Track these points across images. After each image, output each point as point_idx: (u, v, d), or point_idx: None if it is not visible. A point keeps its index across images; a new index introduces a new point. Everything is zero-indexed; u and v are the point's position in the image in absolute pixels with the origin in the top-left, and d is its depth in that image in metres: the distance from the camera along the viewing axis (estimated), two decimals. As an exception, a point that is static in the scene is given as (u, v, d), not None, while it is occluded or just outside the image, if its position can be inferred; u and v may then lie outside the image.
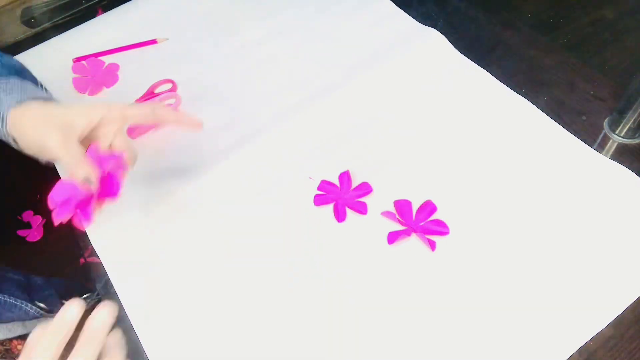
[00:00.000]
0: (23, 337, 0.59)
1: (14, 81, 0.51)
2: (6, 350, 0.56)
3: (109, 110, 0.48)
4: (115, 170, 0.50)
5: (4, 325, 0.57)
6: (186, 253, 0.57)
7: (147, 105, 0.51)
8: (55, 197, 0.47)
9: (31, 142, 0.48)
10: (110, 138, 0.49)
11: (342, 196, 0.58)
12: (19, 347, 0.58)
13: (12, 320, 0.58)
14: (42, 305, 0.61)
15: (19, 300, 0.59)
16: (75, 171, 0.46)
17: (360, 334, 0.50)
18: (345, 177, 0.59)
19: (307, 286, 0.53)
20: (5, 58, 0.55)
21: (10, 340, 0.58)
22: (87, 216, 0.49)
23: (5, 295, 0.58)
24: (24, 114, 0.48)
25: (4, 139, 0.50)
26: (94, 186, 0.47)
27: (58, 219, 0.47)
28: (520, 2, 0.78)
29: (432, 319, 0.50)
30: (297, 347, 0.50)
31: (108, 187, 0.50)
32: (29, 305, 0.60)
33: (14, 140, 0.49)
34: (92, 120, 0.48)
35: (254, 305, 0.53)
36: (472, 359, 0.48)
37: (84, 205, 0.48)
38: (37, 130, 0.47)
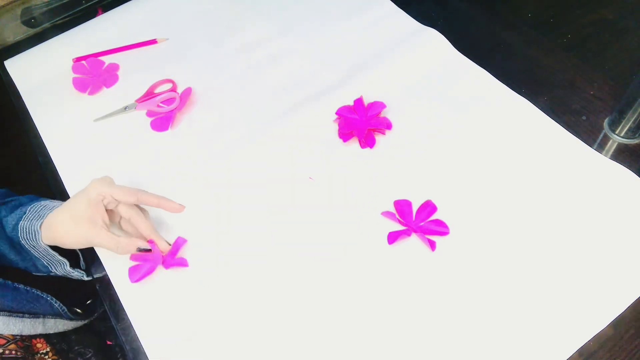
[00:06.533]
0: (42, 337, 0.59)
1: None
2: (27, 346, 0.57)
3: (103, 197, 0.53)
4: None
5: (28, 320, 0.58)
6: (186, 253, 0.57)
7: (133, 192, 0.54)
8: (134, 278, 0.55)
9: (72, 245, 0.54)
10: (123, 213, 0.55)
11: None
12: (38, 345, 0.58)
13: (36, 313, 0.59)
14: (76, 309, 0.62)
15: (44, 293, 0.60)
16: (128, 248, 0.54)
17: (360, 333, 0.50)
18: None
19: (307, 286, 0.53)
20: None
21: (31, 337, 0.58)
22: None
23: (28, 287, 0.59)
24: (50, 227, 0.53)
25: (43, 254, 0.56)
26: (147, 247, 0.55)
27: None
28: (520, 2, 0.78)
29: (432, 319, 0.50)
30: (298, 347, 0.50)
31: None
32: (54, 299, 0.60)
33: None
34: (99, 204, 0.53)
35: (253, 305, 0.53)
36: (472, 359, 0.48)
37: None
38: (73, 237, 0.53)
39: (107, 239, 0.53)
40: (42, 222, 0.53)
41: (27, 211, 0.55)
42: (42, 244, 0.54)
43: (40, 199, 0.58)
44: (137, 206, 0.56)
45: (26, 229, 0.53)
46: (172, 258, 0.56)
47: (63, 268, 0.57)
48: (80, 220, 0.52)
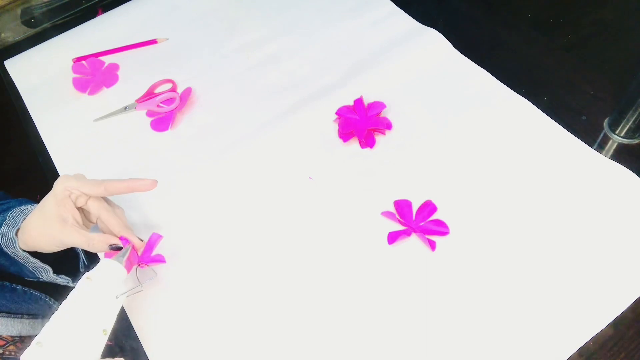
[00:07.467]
0: None
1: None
2: (26, 348, 0.56)
3: (70, 192, 0.51)
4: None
5: (26, 321, 0.57)
6: (188, 253, 0.57)
7: (99, 182, 0.51)
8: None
9: (47, 247, 0.52)
10: (92, 210, 0.52)
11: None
12: None
13: (35, 314, 0.58)
14: None
15: (43, 294, 0.59)
16: (100, 246, 0.50)
17: (360, 333, 0.50)
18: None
19: (307, 286, 0.53)
20: None
21: (30, 339, 0.58)
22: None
23: (26, 288, 0.58)
24: (24, 232, 0.52)
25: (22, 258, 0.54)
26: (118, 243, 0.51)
27: None
28: (520, 2, 0.78)
29: (432, 319, 0.50)
30: (298, 347, 0.50)
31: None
32: (52, 299, 0.60)
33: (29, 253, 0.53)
34: (66, 200, 0.51)
35: (253, 305, 0.53)
36: (471, 359, 0.48)
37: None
38: (45, 238, 0.51)
39: (78, 237, 0.50)
40: (18, 229, 0.52)
41: (7, 217, 0.53)
42: (20, 251, 0.52)
43: (27, 203, 0.56)
44: (110, 204, 0.54)
45: (4, 236, 0.52)
46: (148, 255, 0.53)
47: (47, 274, 0.55)
48: (49, 220, 0.49)
